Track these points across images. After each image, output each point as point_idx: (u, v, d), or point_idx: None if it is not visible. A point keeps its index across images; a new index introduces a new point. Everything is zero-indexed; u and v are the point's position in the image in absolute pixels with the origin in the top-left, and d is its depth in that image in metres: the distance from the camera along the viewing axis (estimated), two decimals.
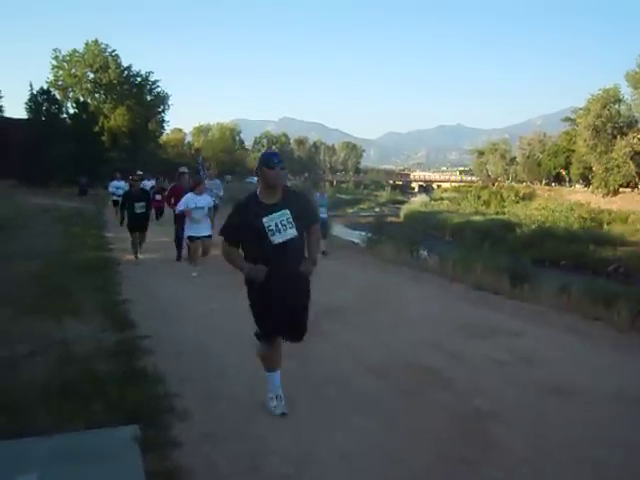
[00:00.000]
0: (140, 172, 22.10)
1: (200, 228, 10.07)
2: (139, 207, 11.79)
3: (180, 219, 11.10)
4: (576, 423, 4.35)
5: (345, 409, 4.50)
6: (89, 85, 60.70)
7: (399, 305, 8.12)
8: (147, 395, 4.51)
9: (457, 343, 6.34)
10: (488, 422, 4.34)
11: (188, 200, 10.10)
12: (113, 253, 12.82)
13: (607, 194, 54.16)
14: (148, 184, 20.30)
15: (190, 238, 10.17)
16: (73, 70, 60.18)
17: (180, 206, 10.21)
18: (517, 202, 59.01)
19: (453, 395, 4.86)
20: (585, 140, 56.61)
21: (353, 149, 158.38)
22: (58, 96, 51.95)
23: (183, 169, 12.97)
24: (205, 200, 10.26)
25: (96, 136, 45.99)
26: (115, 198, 20.47)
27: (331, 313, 7.46)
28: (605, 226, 40.63)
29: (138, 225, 11.82)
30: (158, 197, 17.92)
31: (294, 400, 4.61)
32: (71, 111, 49.36)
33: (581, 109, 59.32)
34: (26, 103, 43.43)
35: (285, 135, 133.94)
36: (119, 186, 21.07)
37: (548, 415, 4.48)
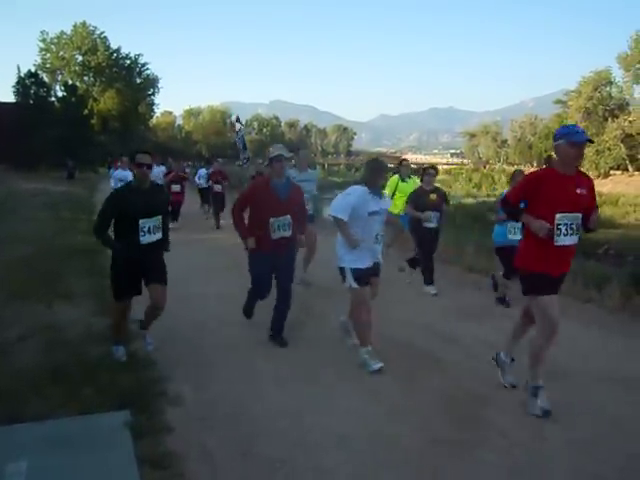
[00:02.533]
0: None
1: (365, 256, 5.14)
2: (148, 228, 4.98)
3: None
4: (568, 404, 4.36)
5: (339, 393, 4.49)
6: (77, 68, 60.03)
7: (392, 289, 8.10)
8: (138, 380, 4.48)
9: (449, 325, 6.35)
10: (481, 405, 4.35)
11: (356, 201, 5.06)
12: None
13: (598, 176, 54.27)
14: (158, 172, 13.95)
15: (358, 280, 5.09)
16: (61, 53, 59.48)
17: (338, 212, 5.01)
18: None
19: (445, 378, 4.87)
20: (576, 122, 56.61)
21: (344, 132, 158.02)
22: (46, 79, 51.36)
23: (278, 150, 5.73)
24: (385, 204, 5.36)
25: (85, 119, 45.51)
26: None
27: (323, 295, 7.45)
28: None
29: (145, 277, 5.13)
30: (176, 188, 13.77)
31: (288, 384, 4.61)
32: (60, 94, 48.75)
33: (573, 91, 59.35)
34: (14, 86, 42.86)
35: (276, 118, 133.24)
36: (124, 177, 13.01)
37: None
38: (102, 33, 61.35)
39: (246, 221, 5.77)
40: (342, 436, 3.74)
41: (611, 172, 54.54)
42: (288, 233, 5.62)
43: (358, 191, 5.10)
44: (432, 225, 7.78)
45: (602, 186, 50.80)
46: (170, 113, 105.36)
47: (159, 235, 4.98)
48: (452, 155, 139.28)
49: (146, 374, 4.65)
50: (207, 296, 7.44)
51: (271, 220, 5.49)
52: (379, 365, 4.91)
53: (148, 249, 4.87)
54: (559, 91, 73.24)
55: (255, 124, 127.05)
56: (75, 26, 60.22)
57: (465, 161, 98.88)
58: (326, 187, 59.87)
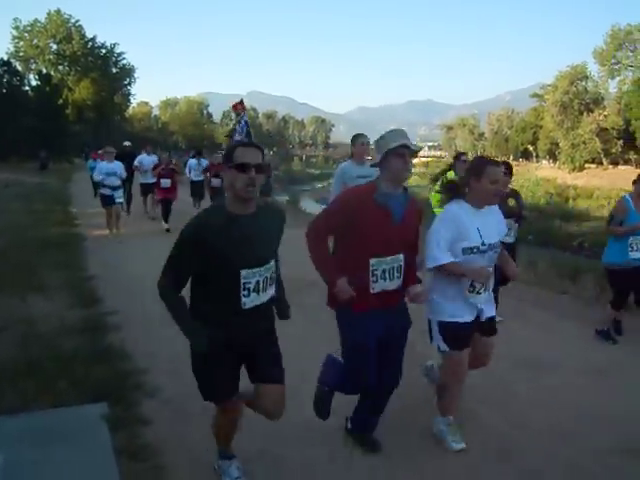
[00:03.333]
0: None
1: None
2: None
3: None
4: (546, 395, 4.41)
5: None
6: (52, 56, 59.16)
7: None
8: (115, 372, 4.45)
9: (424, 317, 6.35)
10: (463, 397, 4.36)
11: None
12: (79, 229, 12.59)
13: (573, 170, 54.98)
14: (147, 162, 13.93)
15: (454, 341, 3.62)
16: (35, 41, 58.57)
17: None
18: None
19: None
20: (552, 116, 57.27)
21: (322, 123, 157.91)
22: (19, 68, 50.56)
23: (398, 137, 3.22)
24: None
25: (60, 109, 44.94)
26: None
27: (307, 287, 7.44)
28: (571, 201, 41.24)
29: None
30: (165, 183, 12.68)
31: None
32: (33, 83, 48.11)
33: (549, 85, 59.90)
34: None
35: (254, 109, 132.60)
36: (111, 170, 11.09)
37: (520, 389, 4.53)
38: (77, 21, 60.63)
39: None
40: (322, 430, 3.73)
41: (586, 165, 55.21)
42: (397, 284, 3.38)
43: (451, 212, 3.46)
44: (510, 240, 5.83)
45: (577, 179, 51.50)
46: (146, 104, 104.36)
47: (271, 292, 2.97)
48: (430, 148, 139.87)
49: (122, 366, 4.62)
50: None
51: (373, 261, 3.23)
52: (460, 446, 3.57)
53: (254, 318, 2.88)
54: (535, 85, 73.99)
55: (233, 115, 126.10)
56: (49, 14, 59.35)
57: (443, 153, 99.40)
58: (306, 179, 59.80)
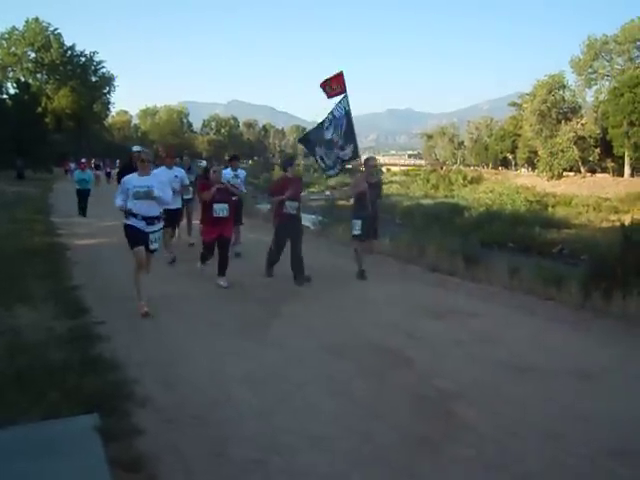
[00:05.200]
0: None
1: None
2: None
3: None
4: (534, 399, 4.46)
5: (310, 392, 4.49)
6: (30, 65, 58.72)
7: (357, 288, 8.16)
8: (105, 382, 4.39)
9: (416, 324, 6.41)
10: (450, 402, 4.40)
11: None
12: (62, 238, 12.46)
13: (552, 178, 55.58)
14: (166, 176, 8.78)
15: None
16: (12, 49, 58.08)
17: None
18: (465, 185, 59.91)
19: (414, 375, 4.92)
20: (531, 125, 57.89)
21: (303, 132, 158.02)
22: None
23: None
24: None
25: (38, 118, 44.43)
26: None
27: (291, 296, 7.46)
28: (550, 209, 41.66)
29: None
30: (221, 210, 8.00)
31: (259, 384, 4.59)
32: (11, 92, 47.57)
33: (527, 94, 60.61)
34: None
35: (234, 118, 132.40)
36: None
37: (507, 393, 4.58)
38: (56, 30, 60.22)
39: None
40: (315, 436, 3.74)
41: (564, 173, 55.86)
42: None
43: None
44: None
45: (556, 187, 52.09)
46: (126, 112, 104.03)
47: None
48: (410, 156, 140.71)
49: (113, 376, 4.56)
50: (169, 296, 7.35)
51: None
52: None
53: None
54: (514, 94, 74.78)
55: (213, 124, 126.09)
56: (27, 22, 58.91)
57: (422, 162, 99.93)
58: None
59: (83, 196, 17.80)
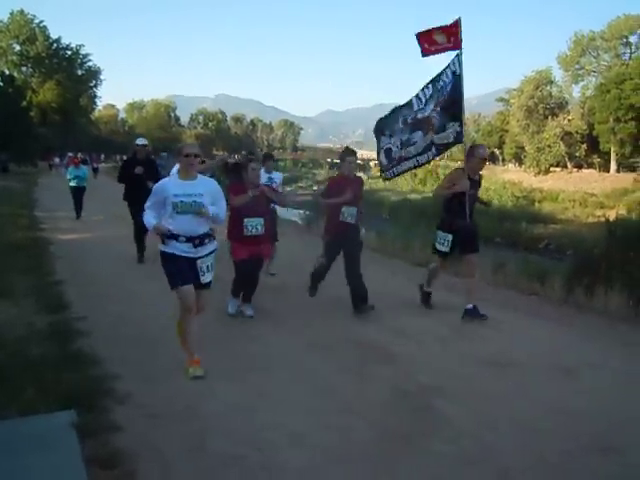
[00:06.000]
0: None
1: None
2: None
3: None
4: (515, 394, 4.47)
5: (292, 388, 4.47)
6: (15, 57, 58.11)
7: (340, 283, 8.13)
8: (84, 378, 4.34)
9: (398, 319, 6.41)
10: (431, 396, 4.40)
11: None
12: (45, 233, 12.35)
13: (538, 173, 55.84)
14: None
15: None
16: None
17: None
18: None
19: (396, 370, 4.92)
20: (518, 120, 58.09)
21: (291, 127, 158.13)
22: None
23: None
24: None
25: (23, 111, 43.98)
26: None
27: (274, 292, 7.43)
28: (536, 204, 41.85)
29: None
30: (256, 227, 6.29)
31: (239, 380, 4.56)
32: None
33: (515, 90, 60.78)
34: None
35: (222, 112, 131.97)
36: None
37: (489, 388, 4.58)
38: (41, 22, 59.59)
39: None
40: (295, 432, 3.72)
41: (551, 169, 56.14)
42: None
43: None
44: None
45: (543, 182, 52.31)
46: (113, 106, 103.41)
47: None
48: None
49: (92, 372, 4.52)
50: (152, 293, 7.29)
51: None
52: None
53: None
54: (501, 89, 74.97)
55: (200, 118, 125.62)
56: (12, 14, 58.24)
57: None
58: None
59: (77, 194, 15.84)
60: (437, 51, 6.43)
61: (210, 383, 4.49)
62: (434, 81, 6.47)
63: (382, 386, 4.58)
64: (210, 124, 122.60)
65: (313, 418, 3.95)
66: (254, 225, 6.14)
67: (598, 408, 4.25)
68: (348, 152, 6.92)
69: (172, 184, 4.64)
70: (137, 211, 8.50)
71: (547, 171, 55.79)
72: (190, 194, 4.52)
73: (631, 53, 55.96)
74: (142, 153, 9.64)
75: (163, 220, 4.55)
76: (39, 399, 3.93)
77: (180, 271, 4.52)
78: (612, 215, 16.52)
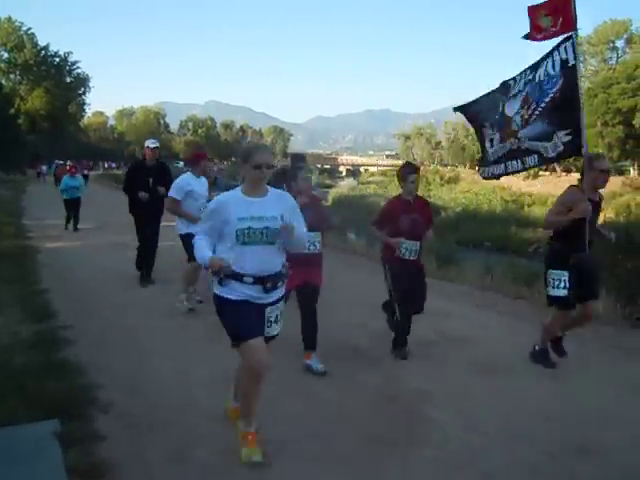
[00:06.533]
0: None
1: None
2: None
3: None
4: (502, 398, 4.48)
5: (275, 395, 4.44)
6: (3, 65, 57.91)
7: (327, 288, 8.11)
8: (68, 387, 4.31)
9: (384, 324, 6.38)
10: (418, 402, 4.40)
11: None
12: (33, 241, 12.29)
13: (527, 177, 56.09)
14: (201, 188, 7.24)
15: None
16: None
17: None
18: (442, 185, 60.24)
19: (383, 376, 4.91)
20: None
21: (280, 133, 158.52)
22: None
23: None
24: None
25: (11, 119, 43.80)
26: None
27: None
28: (525, 208, 42.05)
29: None
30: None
31: (222, 388, 4.54)
32: None
33: None
34: None
35: (211, 119, 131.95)
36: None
37: (475, 392, 4.59)
38: (29, 29, 59.42)
39: None
40: (279, 439, 3.69)
41: (540, 173, 56.44)
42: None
43: None
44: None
45: (532, 187, 52.59)
46: (102, 113, 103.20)
47: None
48: (387, 156, 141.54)
49: (76, 382, 4.48)
50: (139, 301, 7.27)
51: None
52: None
53: None
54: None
55: (190, 125, 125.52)
56: (0, 21, 57.95)
57: (400, 162, 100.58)
58: None
59: (73, 206, 14.74)
60: (545, 37, 5.00)
61: (192, 392, 4.47)
62: (540, 65, 5.03)
63: (369, 392, 4.57)
64: (200, 131, 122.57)
65: (298, 425, 3.94)
66: (312, 240, 4.83)
67: (583, 412, 4.26)
68: (409, 168, 5.60)
69: (236, 202, 3.39)
70: (144, 225, 8.14)
71: (536, 175, 56.09)
72: (261, 217, 3.35)
73: (617, 57, 56.49)
74: (152, 157, 8.00)
75: (224, 253, 3.33)
76: (22, 408, 3.91)
77: (245, 322, 3.37)
78: (601, 219, 16.58)
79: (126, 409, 4.09)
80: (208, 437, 3.73)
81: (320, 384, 4.70)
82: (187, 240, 6.33)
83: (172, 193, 6.86)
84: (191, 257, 6.04)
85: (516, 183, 54.38)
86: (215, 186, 8.17)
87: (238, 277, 3.32)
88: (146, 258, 8.26)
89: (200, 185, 7.04)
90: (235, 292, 3.36)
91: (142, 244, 8.24)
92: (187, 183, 6.89)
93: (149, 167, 7.97)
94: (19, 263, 9.41)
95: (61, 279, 8.38)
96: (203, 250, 3.34)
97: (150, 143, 8.10)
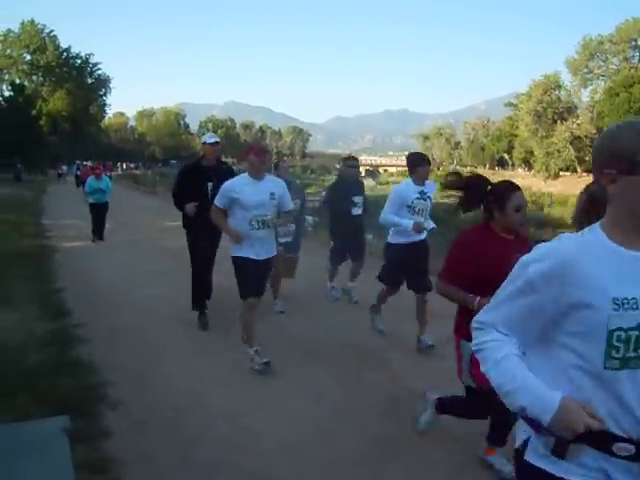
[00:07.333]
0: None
1: None
2: None
3: None
4: None
5: (281, 394, 4.47)
6: (25, 67, 58.69)
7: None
8: (79, 385, 4.38)
9: (392, 325, 6.35)
10: (422, 402, 4.37)
11: None
12: (51, 241, 12.44)
13: (548, 178, 55.68)
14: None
15: None
16: (8, 51, 58.07)
17: None
18: None
19: (389, 376, 4.90)
20: (527, 125, 58.01)
21: (300, 133, 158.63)
22: None
23: None
24: None
25: (33, 120, 44.40)
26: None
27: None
28: (546, 209, 41.74)
29: None
30: None
31: (230, 386, 4.57)
32: (6, 94, 47.54)
33: (523, 94, 60.73)
34: None
35: (231, 119, 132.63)
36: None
37: None
38: (51, 32, 60.21)
39: None
40: (283, 438, 3.71)
41: (561, 173, 55.95)
42: None
43: None
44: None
45: (552, 187, 52.14)
46: (122, 114, 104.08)
47: None
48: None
49: (88, 379, 4.54)
50: (153, 302, 7.31)
51: None
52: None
53: None
54: (510, 94, 74.96)
55: (210, 126, 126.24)
56: (23, 24, 58.87)
57: None
58: None
59: (99, 212, 12.71)
60: None
61: (200, 390, 4.50)
62: None
63: (374, 392, 4.56)
64: (219, 131, 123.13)
65: (302, 423, 3.95)
66: None
67: None
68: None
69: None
70: (200, 247, 6.21)
71: (557, 175, 55.63)
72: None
73: None
74: (212, 155, 6.24)
75: None
76: (35, 405, 3.97)
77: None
78: None
79: (135, 406, 4.14)
80: (214, 437, 3.76)
81: (326, 384, 4.70)
82: (238, 266, 4.96)
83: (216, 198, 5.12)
84: (244, 291, 4.97)
85: (537, 183, 54.06)
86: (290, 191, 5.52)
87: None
88: (201, 287, 6.38)
89: (258, 191, 4.91)
90: None
91: (197, 274, 6.37)
92: (231, 188, 4.91)
93: (207, 169, 6.11)
94: (37, 262, 9.54)
95: (77, 278, 8.47)
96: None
97: (208, 138, 6.40)
